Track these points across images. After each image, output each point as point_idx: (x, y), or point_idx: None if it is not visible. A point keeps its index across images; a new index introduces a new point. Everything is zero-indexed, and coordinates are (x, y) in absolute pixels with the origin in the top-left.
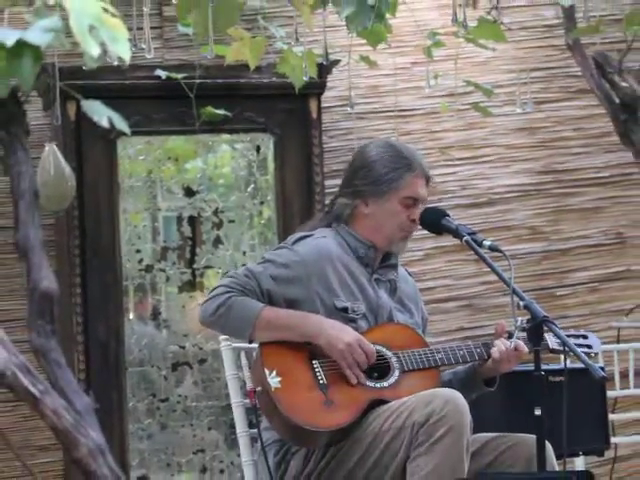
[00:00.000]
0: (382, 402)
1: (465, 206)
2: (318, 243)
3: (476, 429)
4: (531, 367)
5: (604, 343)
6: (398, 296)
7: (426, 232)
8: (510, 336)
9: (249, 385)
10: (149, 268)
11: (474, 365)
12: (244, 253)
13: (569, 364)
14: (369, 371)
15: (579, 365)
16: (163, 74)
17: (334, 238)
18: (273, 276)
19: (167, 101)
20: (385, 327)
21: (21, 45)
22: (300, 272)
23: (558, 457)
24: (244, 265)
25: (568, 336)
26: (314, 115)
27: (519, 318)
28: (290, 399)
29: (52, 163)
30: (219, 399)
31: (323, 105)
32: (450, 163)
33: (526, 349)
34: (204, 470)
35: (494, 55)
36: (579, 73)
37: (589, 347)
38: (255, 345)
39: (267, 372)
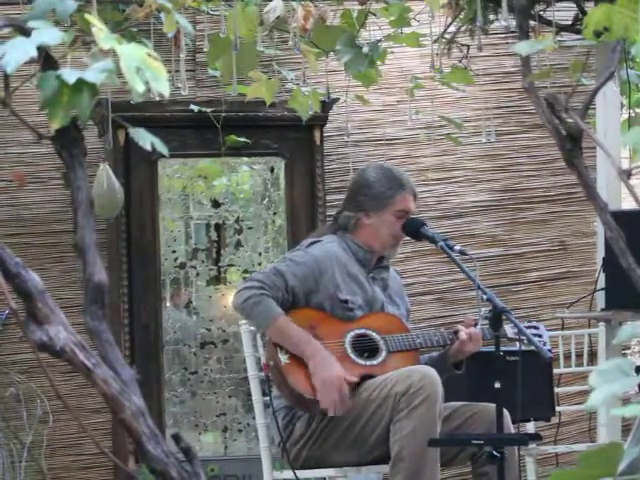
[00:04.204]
0: (371, 377)
1: (439, 218)
2: (326, 247)
3: (447, 399)
4: (492, 349)
5: (550, 330)
6: (388, 292)
7: (408, 238)
8: (476, 324)
9: (263, 360)
10: (183, 265)
11: (445, 351)
12: (260, 254)
13: (523, 347)
14: (361, 351)
15: (531, 348)
16: (195, 108)
17: (339, 244)
18: (294, 273)
19: (198, 130)
20: (376, 315)
21: (80, 83)
22: (313, 269)
23: (513, 422)
24: (260, 264)
25: (525, 327)
26: (318, 142)
27: (483, 309)
28: (296, 373)
29: (105, 179)
30: (238, 372)
31: (325, 134)
32: (427, 183)
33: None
34: (225, 430)
35: (464, 95)
36: (533, 110)
37: (540, 336)
38: None
39: (278, 349)
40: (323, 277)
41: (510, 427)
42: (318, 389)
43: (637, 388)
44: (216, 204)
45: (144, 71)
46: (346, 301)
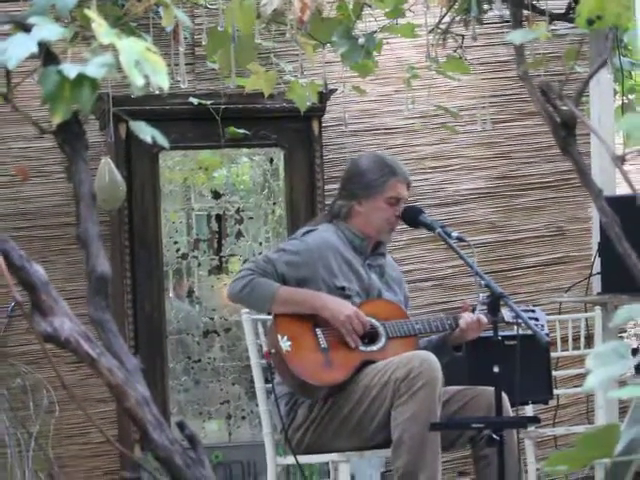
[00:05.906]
0: (371, 362)
1: (437, 205)
2: (322, 235)
3: (446, 383)
4: (490, 334)
5: (548, 314)
6: (385, 278)
7: (406, 226)
8: (474, 309)
9: (265, 348)
10: (185, 256)
11: (445, 334)
12: (260, 244)
13: (521, 331)
14: (361, 337)
15: (529, 332)
16: (195, 101)
17: (334, 232)
18: (286, 262)
19: (198, 122)
20: (375, 302)
21: (81, 77)
22: (307, 258)
23: (512, 405)
24: (260, 253)
25: (522, 311)
26: (316, 133)
27: (481, 294)
28: (298, 359)
29: (107, 172)
30: (241, 360)
31: (323, 125)
32: (424, 171)
33: (485, 320)
34: (229, 417)
35: (459, 84)
36: (528, 98)
37: (537, 320)
38: (270, 316)
39: (280, 337)
40: (317, 265)
41: (509, 410)
42: (338, 318)
43: (633, 370)
44: (217, 195)
45: (144, 65)
46: (343, 288)
